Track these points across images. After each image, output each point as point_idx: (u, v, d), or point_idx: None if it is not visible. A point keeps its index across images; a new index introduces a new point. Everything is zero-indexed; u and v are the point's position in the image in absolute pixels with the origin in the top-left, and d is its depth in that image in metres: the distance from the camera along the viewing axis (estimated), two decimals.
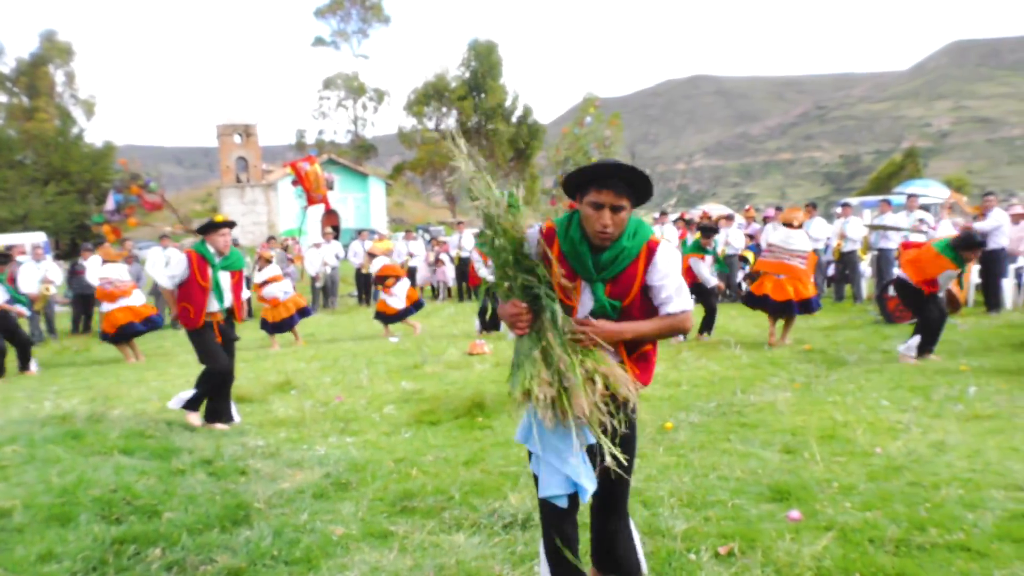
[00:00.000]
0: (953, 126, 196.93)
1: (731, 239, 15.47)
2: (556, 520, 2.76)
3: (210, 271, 6.22)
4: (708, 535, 3.53)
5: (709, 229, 10.72)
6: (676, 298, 2.72)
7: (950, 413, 5.67)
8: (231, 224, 6.51)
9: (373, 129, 62.15)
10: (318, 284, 17.29)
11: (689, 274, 10.17)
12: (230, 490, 4.46)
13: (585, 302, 2.68)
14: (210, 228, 6.34)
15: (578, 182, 2.66)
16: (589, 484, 2.63)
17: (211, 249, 6.27)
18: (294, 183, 16.82)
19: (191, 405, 6.41)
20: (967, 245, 7.62)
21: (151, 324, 11.20)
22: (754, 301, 9.82)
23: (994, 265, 11.50)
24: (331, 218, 38.58)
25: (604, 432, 2.54)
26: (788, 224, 9.63)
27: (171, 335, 13.82)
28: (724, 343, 9.56)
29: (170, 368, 9.77)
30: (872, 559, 3.20)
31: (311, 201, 15.19)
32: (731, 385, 7.02)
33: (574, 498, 2.70)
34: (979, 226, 11.45)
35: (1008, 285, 11.94)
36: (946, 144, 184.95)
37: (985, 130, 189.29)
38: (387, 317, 12.21)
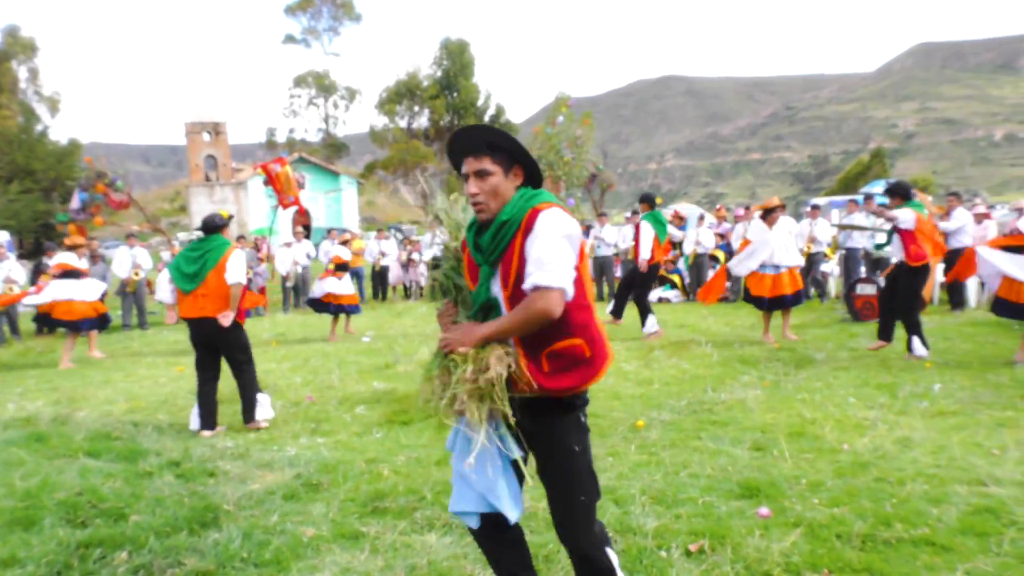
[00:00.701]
0: (918, 127, 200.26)
1: (702, 238, 15.59)
2: (479, 539, 2.52)
3: None
4: (679, 532, 3.55)
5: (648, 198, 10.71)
6: (535, 271, 2.24)
7: (915, 410, 5.76)
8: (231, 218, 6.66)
9: (345, 128, 61.90)
10: (288, 284, 17.14)
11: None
12: (198, 492, 4.41)
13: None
14: (218, 227, 6.34)
15: (453, 160, 2.46)
16: (509, 508, 2.34)
17: None
18: (265, 183, 16.67)
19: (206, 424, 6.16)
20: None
21: (98, 323, 10.84)
22: (751, 299, 9.83)
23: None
24: (302, 217, 38.30)
25: (519, 441, 2.36)
26: (768, 212, 9.67)
27: (138, 336, 13.63)
28: (695, 342, 9.63)
29: (137, 369, 9.63)
30: (839, 554, 3.24)
31: (283, 205, 15.06)
32: (702, 383, 7.08)
33: (499, 518, 2.41)
34: (943, 226, 11.64)
35: (971, 284, 12.16)
36: (912, 145, 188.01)
37: (949, 131, 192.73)
38: (325, 305, 11.90)
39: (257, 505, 4.20)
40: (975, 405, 5.79)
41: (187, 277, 6.11)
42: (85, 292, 10.55)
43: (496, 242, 2.32)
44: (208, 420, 6.04)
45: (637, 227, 10.55)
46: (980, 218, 12.59)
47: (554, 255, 2.25)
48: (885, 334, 8.23)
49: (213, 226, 6.32)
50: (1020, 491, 3.87)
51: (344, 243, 12.84)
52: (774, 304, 9.52)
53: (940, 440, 4.90)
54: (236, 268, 6.12)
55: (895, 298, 8.09)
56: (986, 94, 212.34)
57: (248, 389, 6.18)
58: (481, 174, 2.32)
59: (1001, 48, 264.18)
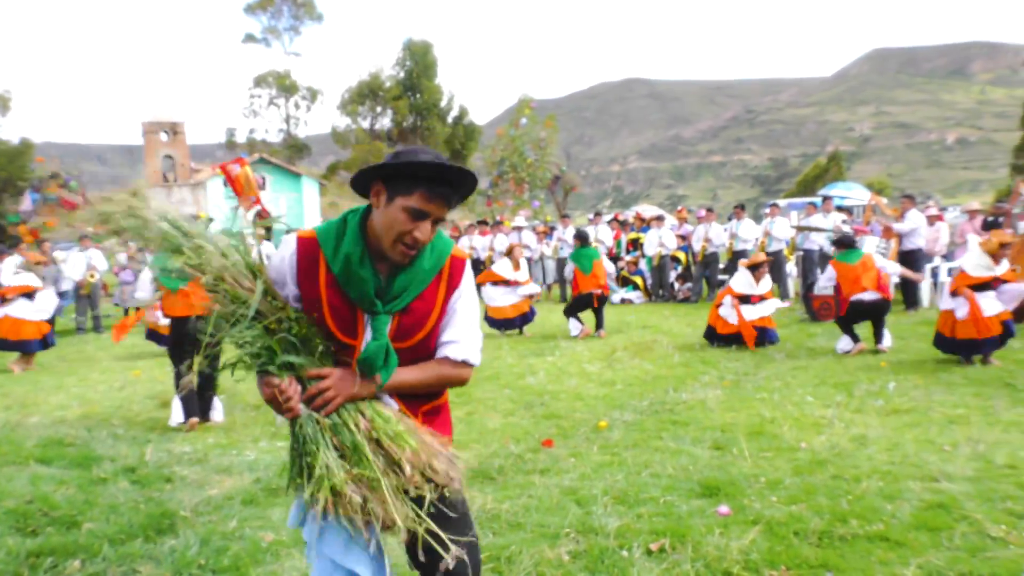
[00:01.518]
0: (874, 131, 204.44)
1: (664, 240, 15.72)
2: None
3: None
4: (640, 532, 3.57)
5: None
6: (464, 342, 2.06)
7: (871, 408, 5.86)
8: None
9: (306, 128, 61.39)
10: None
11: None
12: (154, 498, 4.33)
13: (367, 342, 1.99)
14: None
15: (402, 176, 1.92)
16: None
17: None
18: (225, 184, 16.43)
19: (187, 415, 6.31)
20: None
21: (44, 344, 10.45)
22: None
23: (912, 265, 11.95)
24: (263, 219, 37.75)
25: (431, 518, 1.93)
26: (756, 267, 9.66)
27: (93, 339, 13.35)
28: (658, 343, 9.70)
29: (92, 374, 9.43)
30: (797, 551, 3.28)
31: (244, 205, 14.85)
32: (664, 384, 7.14)
33: None
34: (897, 227, 11.90)
35: (925, 284, 12.44)
36: (868, 148, 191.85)
37: (904, 135, 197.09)
38: None
39: (215, 511, 4.13)
40: (928, 403, 5.92)
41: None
42: (36, 311, 10.18)
43: (411, 290, 2.01)
44: (194, 409, 6.25)
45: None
46: (932, 220, 12.89)
47: (477, 324, 2.14)
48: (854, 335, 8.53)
49: None
50: (971, 487, 3.96)
51: None
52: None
53: (894, 437, 5.00)
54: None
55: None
56: (939, 99, 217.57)
57: (208, 389, 6.36)
58: (438, 222, 1.98)
59: (953, 54, 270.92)
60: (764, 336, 9.22)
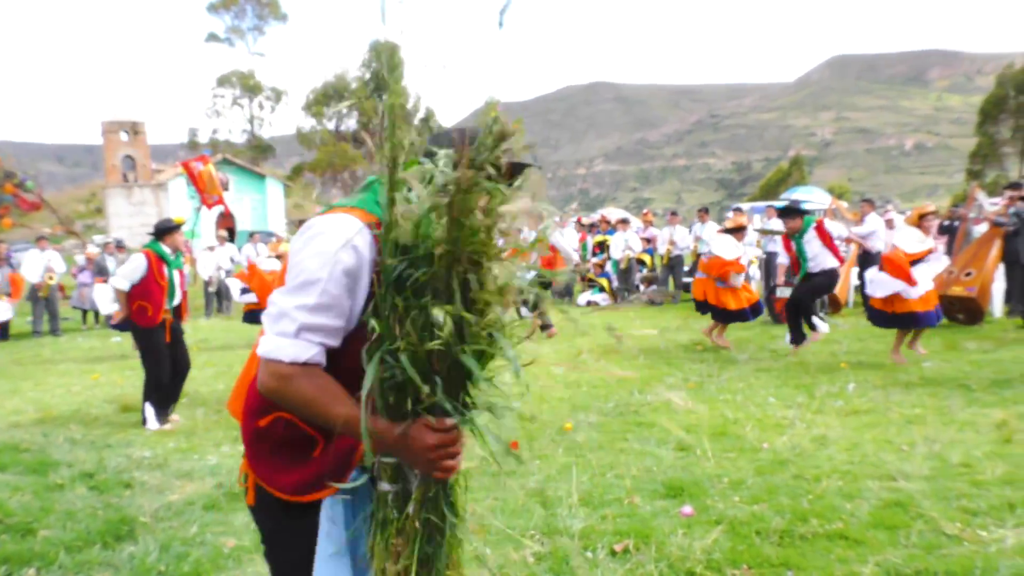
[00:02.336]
0: (835, 136, 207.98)
1: (629, 243, 15.83)
2: None
3: (166, 269, 6.47)
4: (604, 533, 3.59)
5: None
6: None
7: (831, 409, 5.96)
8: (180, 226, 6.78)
9: (271, 129, 60.60)
10: (211, 288, 16.69)
11: None
12: (113, 504, 4.25)
13: None
14: (171, 229, 6.57)
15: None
16: None
17: (167, 249, 6.50)
18: (188, 183, 16.17)
19: (161, 418, 6.45)
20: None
21: None
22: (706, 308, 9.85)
23: (872, 267, 12.18)
24: (226, 220, 37.33)
25: None
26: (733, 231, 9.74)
27: (50, 342, 13.07)
28: (623, 345, 9.75)
29: (48, 378, 9.22)
30: (758, 550, 3.33)
31: (206, 203, 14.65)
32: (629, 385, 7.18)
33: None
34: (856, 231, 12.11)
35: None
36: (829, 153, 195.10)
37: (864, 140, 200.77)
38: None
39: (175, 516, 4.07)
40: (886, 403, 6.03)
41: None
42: None
43: None
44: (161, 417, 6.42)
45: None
46: (891, 224, 13.13)
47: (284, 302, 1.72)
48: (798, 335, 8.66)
49: (160, 230, 6.57)
50: (927, 485, 4.05)
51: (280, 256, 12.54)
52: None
53: (854, 438, 5.08)
54: (120, 272, 6.43)
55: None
56: (897, 105, 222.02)
57: (148, 397, 6.48)
58: None
59: (911, 62, 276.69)
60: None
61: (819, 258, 8.48)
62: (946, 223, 13.48)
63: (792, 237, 8.63)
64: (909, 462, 4.46)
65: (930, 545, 3.29)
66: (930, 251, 7.89)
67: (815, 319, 8.79)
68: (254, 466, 1.76)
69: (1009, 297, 10.84)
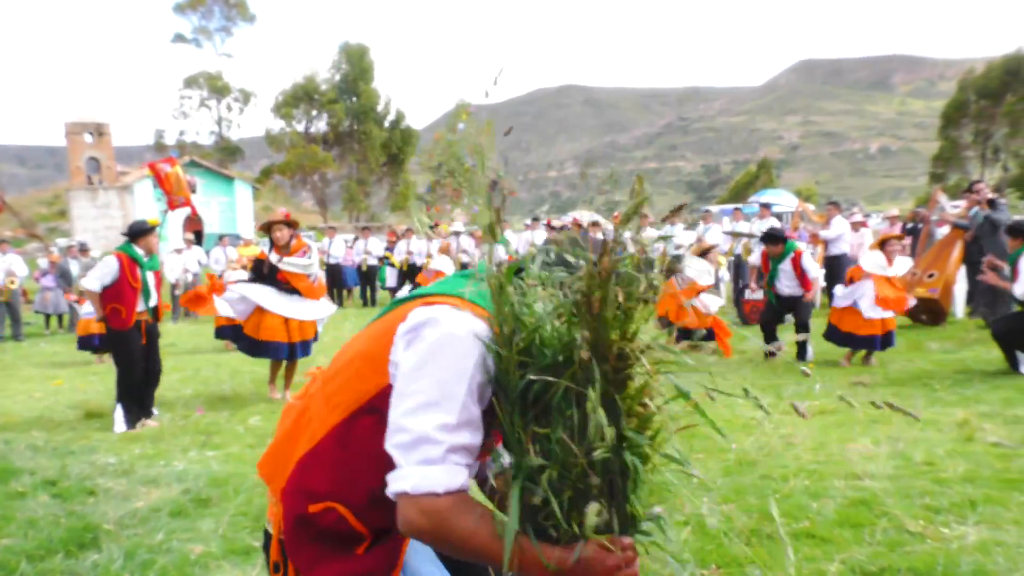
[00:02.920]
0: (802, 139, 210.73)
1: None
2: None
3: (139, 272, 6.42)
4: None
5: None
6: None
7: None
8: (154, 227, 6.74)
9: (239, 131, 59.97)
10: (177, 292, 16.46)
11: None
12: (76, 512, 4.18)
13: None
14: (145, 232, 6.57)
15: None
16: None
17: (139, 251, 6.47)
18: (155, 185, 15.91)
19: (131, 422, 6.42)
20: None
21: None
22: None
23: (838, 270, 12.35)
24: (194, 223, 36.88)
25: None
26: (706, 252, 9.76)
27: (12, 348, 12.81)
28: None
29: (10, 383, 9.05)
30: (726, 550, 3.36)
31: (173, 206, 14.43)
32: None
33: None
34: (823, 234, 12.28)
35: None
36: (796, 156, 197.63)
37: (830, 143, 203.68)
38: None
39: (141, 523, 4.01)
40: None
41: None
42: None
43: None
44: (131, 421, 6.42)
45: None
46: (857, 226, 13.34)
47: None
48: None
49: (133, 232, 6.58)
50: (890, 484, 4.11)
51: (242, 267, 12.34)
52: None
53: (820, 437, 5.15)
54: (91, 274, 6.42)
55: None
56: (863, 109, 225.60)
57: (122, 399, 6.48)
58: None
59: (876, 66, 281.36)
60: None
61: (790, 284, 8.65)
62: (910, 225, 13.72)
63: (771, 258, 8.82)
64: (873, 461, 4.53)
65: (894, 543, 3.35)
66: (888, 279, 8.06)
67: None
68: (294, 553, 1.63)
69: (971, 298, 11.05)
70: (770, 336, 8.82)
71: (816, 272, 9.14)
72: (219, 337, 11.42)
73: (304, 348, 7.39)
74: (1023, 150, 50.66)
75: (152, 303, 6.59)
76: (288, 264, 7.15)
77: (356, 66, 53.76)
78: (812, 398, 6.38)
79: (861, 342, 7.89)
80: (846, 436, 5.16)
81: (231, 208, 43.70)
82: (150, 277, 6.56)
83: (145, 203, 37.58)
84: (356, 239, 19.68)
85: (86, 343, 10.75)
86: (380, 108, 54.93)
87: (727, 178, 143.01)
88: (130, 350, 6.46)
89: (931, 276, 10.40)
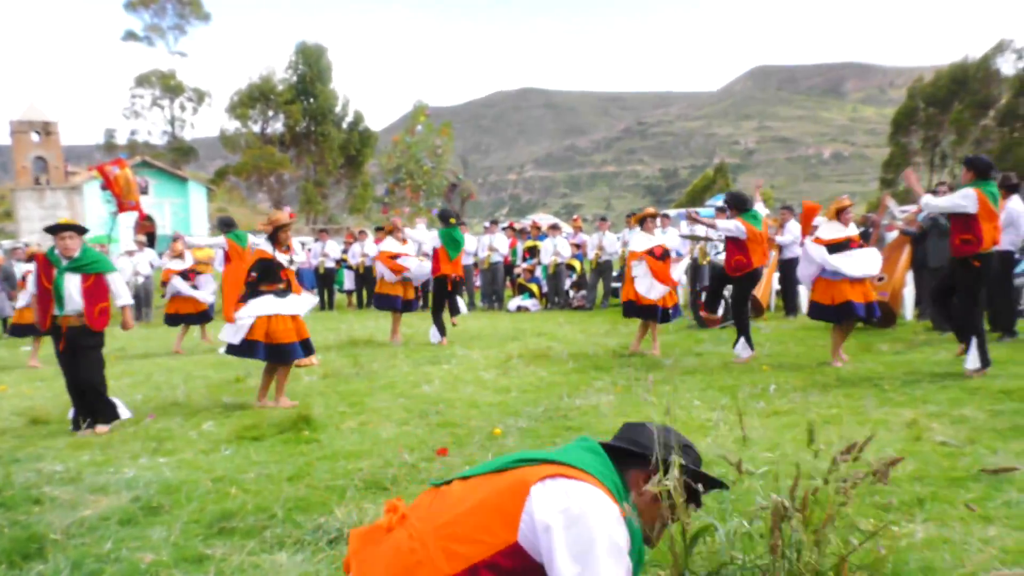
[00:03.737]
0: (757, 144, 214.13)
1: (559, 248, 15.96)
2: None
3: (55, 273, 6.16)
4: None
5: None
6: None
7: (753, 410, 6.11)
8: (75, 228, 6.48)
9: (193, 131, 58.97)
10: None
11: None
12: (20, 521, 4.05)
13: None
14: (55, 231, 6.35)
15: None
16: None
17: (57, 252, 6.28)
18: (103, 187, 15.55)
19: (75, 425, 6.29)
20: None
21: None
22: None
23: (792, 273, 12.57)
24: (146, 225, 36.15)
25: None
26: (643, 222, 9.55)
27: None
28: (552, 350, 9.82)
29: None
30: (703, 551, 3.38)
31: (123, 208, 14.12)
32: (558, 390, 7.23)
33: None
34: (778, 239, 12.48)
35: (803, 291, 13.08)
36: (752, 161, 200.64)
37: (784, 149, 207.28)
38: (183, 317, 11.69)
39: (89, 532, 3.91)
40: (805, 404, 6.22)
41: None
42: None
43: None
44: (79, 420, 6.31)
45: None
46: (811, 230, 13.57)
47: None
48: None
49: (50, 232, 6.39)
50: (843, 483, 4.17)
51: (177, 254, 12.22)
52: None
53: (775, 438, 5.23)
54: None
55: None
56: (816, 115, 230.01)
57: (92, 396, 6.37)
58: None
59: (828, 74, 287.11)
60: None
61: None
62: (861, 229, 14.00)
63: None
64: (826, 460, 4.59)
65: (845, 541, 3.40)
66: (850, 239, 8.03)
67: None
68: None
69: (919, 301, 11.33)
70: (712, 301, 8.77)
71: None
72: (170, 323, 11.83)
73: (306, 346, 7.30)
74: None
75: (69, 309, 6.21)
76: (293, 264, 7.23)
77: (313, 67, 53.29)
78: (767, 399, 6.48)
79: (856, 310, 7.80)
80: (799, 436, 5.24)
81: (184, 209, 42.94)
82: (70, 280, 6.20)
83: (95, 204, 36.74)
84: (315, 241, 19.47)
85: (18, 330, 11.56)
86: (338, 109, 54.54)
87: (685, 182, 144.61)
88: (57, 353, 6.35)
89: (881, 280, 10.63)
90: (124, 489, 4.60)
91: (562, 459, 1.79)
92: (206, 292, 11.73)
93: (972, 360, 6.95)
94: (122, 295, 6.67)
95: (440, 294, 10.82)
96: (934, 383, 6.83)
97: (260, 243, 7.51)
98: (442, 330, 10.76)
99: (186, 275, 11.86)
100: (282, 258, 7.18)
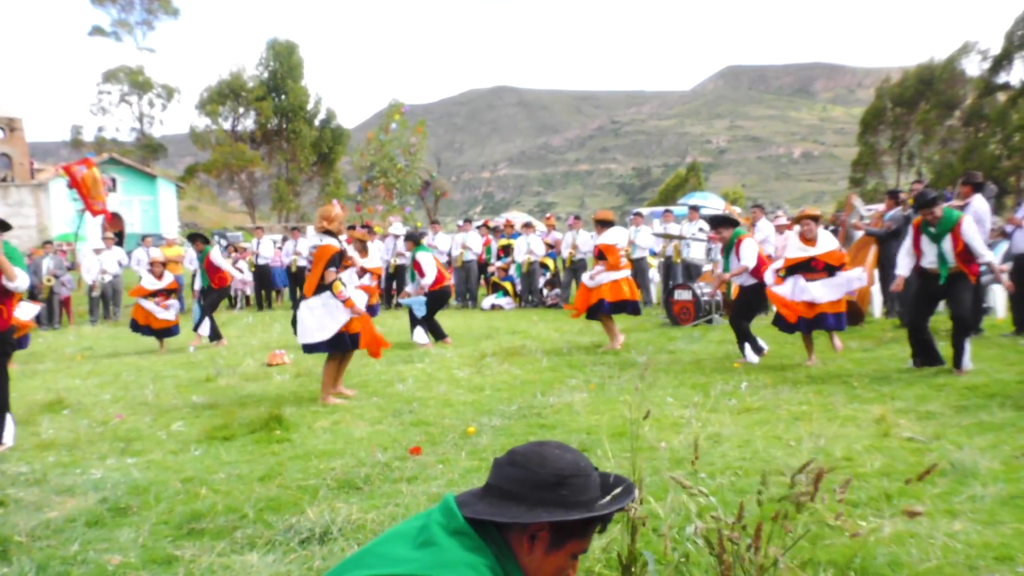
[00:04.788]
0: (729, 144, 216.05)
1: (533, 247, 15.97)
2: None
3: None
4: None
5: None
6: None
7: (725, 407, 6.16)
8: None
9: (162, 128, 58.32)
10: (94, 293, 15.87)
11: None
12: None
13: None
14: None
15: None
16: None
17: None
18: (69, 187, 15.36)
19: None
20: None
21: None
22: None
23: (761, 272, 12.68)
24: (115, 222, 35.60)
25: None
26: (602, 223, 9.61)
27: None
28: (526, 348, 9.83)
29: None
30: (654, 548, 3.40)
31: (91, 209, 13.94)
32: (532, 388, 7.23)
33: None
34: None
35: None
36: (724, 160, 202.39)
37: (756, 148, 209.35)
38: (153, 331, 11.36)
39: (55, 534, 3.84)
40: (776, 401, 6.29)
41: None
42: None
43: None
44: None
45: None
46: (781, 229, 13.72)
47: None
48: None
49: None
50: (812, 479, 4.23)
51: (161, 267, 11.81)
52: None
53: (746, 435, 5.27)
54: None
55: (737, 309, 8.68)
56: (786, 115, 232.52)
57: None
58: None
59: (798, 74, 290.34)
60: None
61: (741, 276, 8.49)
62: (830, 228, 14.17)
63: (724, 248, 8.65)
64: (795, 456, 4.65)
65: (814, 536, 3.44)
66: (813, 259, 7.96)
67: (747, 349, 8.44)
68: None
69: (886, 299, 11.49)
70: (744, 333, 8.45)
71: (747, 260, 8.47)
72: (134, 330, 11.39)
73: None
74: (936, 156, 53.00)
75: None
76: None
77: (284, 63, 52.85)
78: (738, 396, 6.53)
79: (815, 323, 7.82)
80: (770, 433, 5.30)
81: (154, 207, 42.38)
82: None
83: (61, 201, 36.11)
84: (285, 239, 19.32)
85: None
86: (310, 106, 54.10)
87: (657, 181, 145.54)
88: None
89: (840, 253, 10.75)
90: (91, 490, 4.53)
91: (418, 572, 1.52)
92: (173, 312, 11.33)
93: (967, 360, 7.01)
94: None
95: (440, 302, 10.86)
96: (901, 380, 6.94)
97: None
98: (437, 334, 10.74)
99: (159, 292, 11.36)
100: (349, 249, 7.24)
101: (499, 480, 1.72)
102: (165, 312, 11.13)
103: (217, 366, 9.08)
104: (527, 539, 1.65)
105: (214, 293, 11.70)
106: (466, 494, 1.74)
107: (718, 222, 8.87)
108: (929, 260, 7.12)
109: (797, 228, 8.72)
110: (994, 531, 3.38)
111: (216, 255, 11.74)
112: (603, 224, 9.68)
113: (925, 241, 7.11)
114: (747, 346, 8.36)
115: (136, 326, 11.29)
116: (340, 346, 6.90)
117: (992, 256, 7.07)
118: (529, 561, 1.65)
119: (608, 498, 1.71)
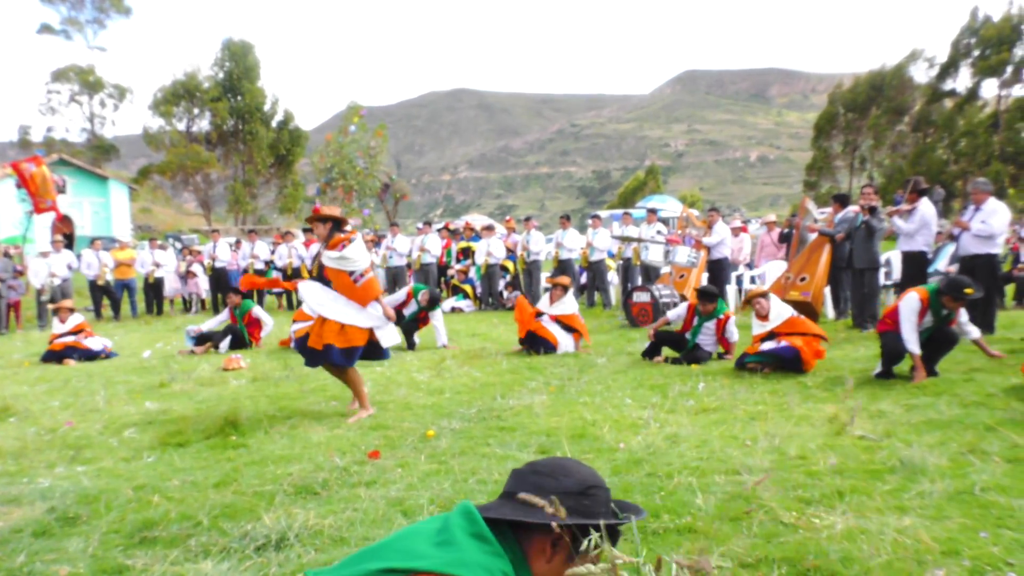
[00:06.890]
0: (687, 147, 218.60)
1: (492, 249, 15.96)
2: None
3: None
4: None
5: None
6: None
7: (683, 408, 6.23)
8: None
9: (114, 128, 57.13)
10: (43, 298, 15.46)
11: None
12: None
13: None
14: None
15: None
16: None
17: None
18: (18, 186, 14.96)
19: None
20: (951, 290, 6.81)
21: None
22: None
23: (719, 273, 12.87)
24: (64, 224, 34.74)
25: None
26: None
27: None
28: (486, 350, 9.82)
29: None
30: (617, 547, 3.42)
31: (38, 209, 13.59)
32: (492, 391, 7.23)
33: None
34: (706, 240, 12.75)
35: (731, 291, 13.41)
36: (682, 163, 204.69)
37: (713, 152, 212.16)
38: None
39: (0, 546, 3.73)
40: (733, 401, 6.37)
41: None
42: None
43: None
44: None
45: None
46: (737, 232, 13.94)
47: None
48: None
49: None
50: (768, 477, 4.29)
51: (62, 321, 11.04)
52: None
53: (703, 435, 5.33)
54: None
55: None
56: (743, 120, 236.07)
57: None
58: None
59: (754, 79, 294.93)
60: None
61: (709, 341, 8.60)
62: (785, 231, 14.42)
63: (698, 314, 8.63)
64: (752, 456, 4.72)
65: (770, 534, 3.49)
66: (774, 332, 7.86)
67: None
68: None
69: (837, 300, 11.72)
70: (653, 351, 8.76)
71: (736, 337, 8.67)
72: (48, 360, 10.59)
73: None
74: (886, 160, 54.26)
75: None
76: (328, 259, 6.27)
77: (240, 64, 52.12)
78: (696, 397, 6.60)
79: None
80: (727, 433, 5.36)
81: (105, 209, 41.47)
82: None
83: (7, 202, 35.14)
84: (238, 242, 19.05)
85: None
86: (267, 108, 53.44)
87: (617, 184, 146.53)
88: None
89: (803, 279, 10.96)
90: (39, 499, 4.41)
91: (436, 568, 1.55)
92: (100, 343, 10.98)
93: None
94: None
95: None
96: (854, 379, 7.07)
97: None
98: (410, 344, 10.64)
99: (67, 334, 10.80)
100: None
101: (521, 488, 1.79)
102: (90, 340, 10.78)
103: (171, 371, 8.92)
104: (550, 545, 1.71)
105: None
106: (483, 505, 1.79)
107: (704, 296, 8.68)
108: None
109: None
110: (941, 526, 3.46)
111: (259, 309, 11.52)
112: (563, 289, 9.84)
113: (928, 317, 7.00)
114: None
115: (53, 356, 10.62)
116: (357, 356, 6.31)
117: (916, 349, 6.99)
118: (546, 570, 1.72)
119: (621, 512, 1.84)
